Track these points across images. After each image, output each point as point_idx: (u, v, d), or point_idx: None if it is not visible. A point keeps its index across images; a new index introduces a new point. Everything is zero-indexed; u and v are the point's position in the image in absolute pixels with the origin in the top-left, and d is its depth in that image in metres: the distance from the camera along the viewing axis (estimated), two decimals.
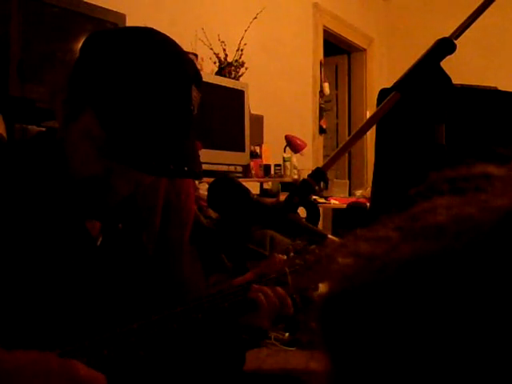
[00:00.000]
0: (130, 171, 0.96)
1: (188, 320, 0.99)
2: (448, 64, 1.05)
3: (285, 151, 4.14)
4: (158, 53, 0.97)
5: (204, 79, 3.59)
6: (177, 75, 0.96)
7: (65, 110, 1.00)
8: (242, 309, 1.04)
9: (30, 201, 1.00)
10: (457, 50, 1.02)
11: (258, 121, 3.86)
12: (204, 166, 3.46)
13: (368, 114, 5.36)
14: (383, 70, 6.17)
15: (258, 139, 3.87)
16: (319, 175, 1.01)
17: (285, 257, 1.06)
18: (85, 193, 1.00)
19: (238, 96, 3.53)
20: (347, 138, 1.07)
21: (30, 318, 0.94)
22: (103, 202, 1.01)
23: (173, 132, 0.96)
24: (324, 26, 5.24)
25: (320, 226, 2.34)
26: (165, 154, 0.94)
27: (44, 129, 1.73)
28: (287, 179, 3.89)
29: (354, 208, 3.63)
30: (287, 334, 2.48)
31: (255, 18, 3.92)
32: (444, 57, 1.02)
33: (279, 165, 3.95)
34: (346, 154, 5.39)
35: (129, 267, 1.09)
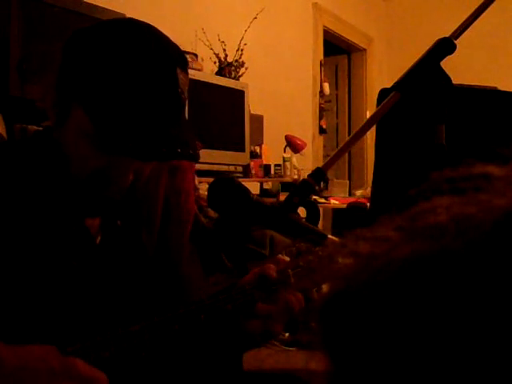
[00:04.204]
0: (126, 161, 0.96)
1: (190, 321, 0.99)
2: (448, 64, 1.05)
3: (285, 151, 4.14)
4: (139, 40, 0.97)
5: (204, 79, 3.56)
6: (160, 59, 0.96)
7: (56, 109, 1.00)
8: (246, 311, 1.04)
9: (30, 200, 1.00)
10: (457, 50, 1.02)
11: (258, 121, 3.86)
12: (204, 166, 3.44)
13: (368, 114, 5.36)
14: (383, 69, 6.17)
15: (258, 139, 3.87)
16: (319, 175, 1.01)
17: (287, 258, 1.06)
18: (86, 189, 1.00)
19: (238, 96, 3.53)
20: (347, 138, 1.07)
21: (30, 317, 0.94)
22: (105, 197, 1.01)
23: (162, 116, 0.95)
24: (324, 26, 5.24)
25: (320, 226, 2.34)
26: (156, 139, 0.93)
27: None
28: (287, 179, 3.89)
29: (354, 208, 3.63)
30: (287, 334, 2.48)
31: (255, 18, 3.92)
32: (444, 57, 1.02)
33: (279, 165, 3.95)
34: (346, 154, 5.39)
35: (128, 265, 1.09)
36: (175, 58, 0.99)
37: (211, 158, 3.15)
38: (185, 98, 0.98)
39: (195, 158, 0.98)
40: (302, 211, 0.99)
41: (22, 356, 0.84)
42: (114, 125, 0.93)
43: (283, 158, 4.01)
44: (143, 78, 0.94)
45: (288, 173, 3.96)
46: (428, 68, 1.01)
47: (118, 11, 2.65)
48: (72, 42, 0.99)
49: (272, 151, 4.01)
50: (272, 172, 3.92)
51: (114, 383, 0.98)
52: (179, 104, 0.98)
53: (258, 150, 3.81)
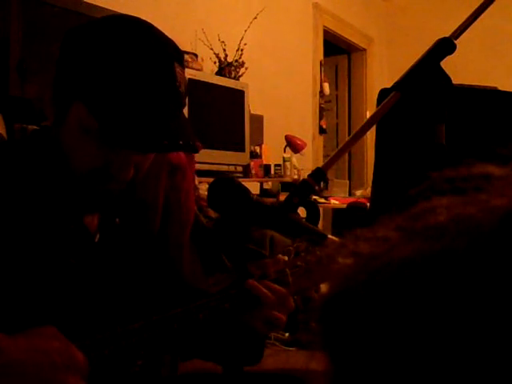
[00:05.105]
0: (127, 156, 0.97)
1: (189, 320, 0.99)
2: (448, 64, 1.05)
3: (285, 151, 4.14)
4: (136, 35, 0.98)
5: (204, 79, 3.55)
6: (158, 54, 0.97)
7: (54, 107, 1.00)
8: (243, 308, 1.04)
9: (29, 198, 1.00)
10: (457, 50, 1.02)
11: (258, 121, 3.86)
12: (204, 166, 3.44)
13: (368, 114, 5.36)
14: (383, 69, 6.17)
15: (258, 139, 3.87)
16: (319, 175, 1.01)
17: (286, 257, 1.06)
18: (86, 185, 1.00)
19: (238, 96, 3.53)
20: (347, 138, 1.07)
21: (27, 315, 0.94)
22: (105, 192, 1.02)
23: (162, 109, 0.96)
24: (324, 26, 5.24)
25: (320, 226, 2.34)
26: (157, 131, 0.95)
27: None
28: (287, 179, 3.89)
29: (353, 208, 3.63)
30: (287, 334, 2.48)
31: (255, 18, 3.92)
32: (444, 57, 1.02)
33: (279, 165, 3.95)
34: (346, 154, 5.39)
35: (127, 263, 1.09)
36: (172, 52, 1.00)
37: (211, 158, 3.15)
38: (183, 91, 0.99)
39: (196, 150, 1.00)
40: (302, 211, 0.99)
41: (24, 349, 0.84)
42: (117, 118, 0.94)
43: (283, 158, 4.01)
44: (142, 72, 0.95)
45: (288, 173, 3.96)
46: (428, 68, 1.01)
47: (118, 11, 2.65)
48: (68, 39, 1.00)
49: (272, 151, 4.01)
50: (272, 172, 3.92)
51: (114, 382, 0.98)
52: (177, 97, 0.99)
53: (258, 150, 3.81)
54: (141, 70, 0.95)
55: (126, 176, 1.00)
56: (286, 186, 3.79)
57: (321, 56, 5.21)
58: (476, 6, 1.07)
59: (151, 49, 0.97)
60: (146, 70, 0.95)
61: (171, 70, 0.97)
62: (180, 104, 1.00)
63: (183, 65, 1.02)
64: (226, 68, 3.69)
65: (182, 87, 0.99)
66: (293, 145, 4.14)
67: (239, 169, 3.51)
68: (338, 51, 6.02)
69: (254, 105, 3.73)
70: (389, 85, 1.07)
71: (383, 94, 1.23)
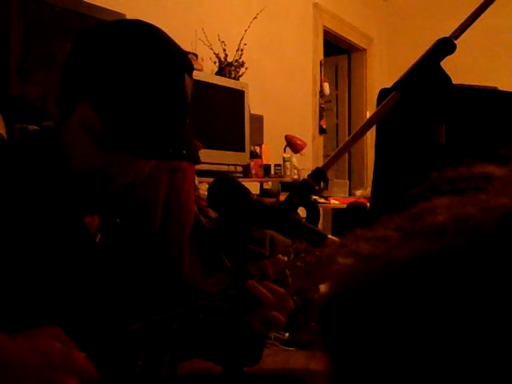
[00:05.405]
0: (129, 160, 0.97)
1: (189, 321, 0.99)
2: (448, 64, 1.05)
3: (285, 151, 4.14)
4: (150, 43, 0.99)
5: (204, 79, 3.56)
6: (170, 64, 0.98)
7: (59, 107, 1.01)
8: (243, 308, 1.04)
9: (29, 198, 1.00)
10: (457, 50, 1.02)
11: (258, 121, 3.86)
12: (204, 166, 3.43)
13: (368, 114, 5.36)
14: (383, 70, 6.17)
15: (258, 139, 3.87)
16: (319, 175, 1.01)
17: (285, 258, 1.06)
18: (85, 186, 1.01)
19: (238, 96, 3.53)
20: (347, 138, 1.08)
21: (27, 315, 0.94)
22: (104, 194, 1.02)
23: (169, 118, 0.98)
24: (324, 26, 5.24)
25: (320, 226, 2.34)
26: (163, 139, 0.96)
27: None
28: (287, 179, 3.89)
29: (354, 208, 3.63)
30: (287, 334, 2.48)
31: (255, 17, 3.92)
32: (444, 57, 1.02)
33: (279, 165, 3.95)
34: (346, 154, 5.39)
35: (128, 264, 1.10)
36: (184, 63, 1.01)
37: (211, 158, 3.15)
38: (189, 101, 1.01)
39: (198, 161, 1.01)
40: (302, 211, 0.99)
41: (25, 349, 0.84)
42: (124, 123, 0.94)
43: (283, 158, 4.01)
44: (154, 80, 0.96)
45: (288, 173, 3.96)
46: (428, 68, 1.01)
47: (118, 11, 2.65)
48: (81, 40, 1.00)
49: (272, 151, 4.01)
50: (272, 172, 3.92)
51: (113, 382, 0.98)
52: (184, 107, 1.00)
53: (258, 150, 3.81)
54: (152, 78, 0.96)
55: (125, 179, 1.01)
56: (286, 186, 3.79)
57: (321, 56, 5.21)
58: (476, 6, 1.07)
59: (164, 57, 0.98)
60: (158, 79, 0.96)
61: (181, 80, 0.99)
62: (186, 113, 1.02)
63: (192, 75, 1.03)
64: (225, 68, 3.69)
65: (189, 97, 1.01)
66: (293, 145, 4.14)
67: (239, 169, 3.51)
68: (338, 51, 6.02)
69: (253, 105, 3.73)
70: (389, 85, 1.07)
71: (383, 93, 1.23)
